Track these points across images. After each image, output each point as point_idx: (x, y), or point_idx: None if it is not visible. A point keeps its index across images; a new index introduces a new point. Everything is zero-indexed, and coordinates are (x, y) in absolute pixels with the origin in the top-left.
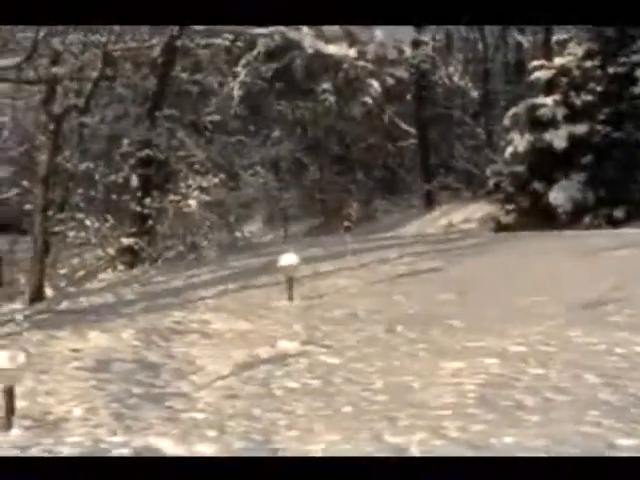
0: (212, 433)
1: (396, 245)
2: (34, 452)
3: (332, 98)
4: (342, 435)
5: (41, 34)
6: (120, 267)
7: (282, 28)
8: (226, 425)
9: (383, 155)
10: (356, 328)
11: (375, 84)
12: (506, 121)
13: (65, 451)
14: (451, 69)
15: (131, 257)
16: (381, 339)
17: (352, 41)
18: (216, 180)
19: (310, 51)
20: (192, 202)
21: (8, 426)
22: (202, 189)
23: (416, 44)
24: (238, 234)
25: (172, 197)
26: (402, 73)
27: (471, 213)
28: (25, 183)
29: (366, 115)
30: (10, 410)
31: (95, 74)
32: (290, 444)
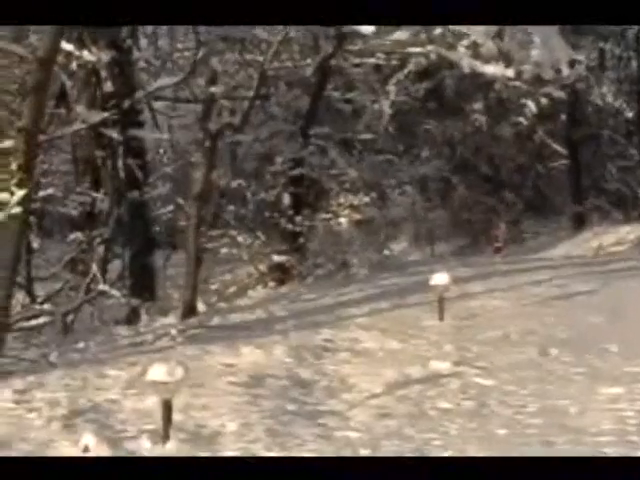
0: (365, 452)
1: (546, 267)
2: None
3: (482, 118)
4: None
5: (200, 54)
6: (270, 284)
7: (438, 47)
8: (379, 444)
9: (533, 175)
10: (508, 350)
11: (531, 104)
12: None
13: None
14: (604, 88)
15: (281, 274)
16: (535, 362)
17: (508, 61)
18: (367, 199)
19: (467, 71)
20: (342, 220)
21: (165, 438)
22: (353, 207)
23: (572, 63)
24: (387, 252)
25: (323, 215)
26: (559, 93)
27: (623, 235)
28: (180, 200)
29: (516, 135)
30: (168, 423)
31: (249, 93)
32: None
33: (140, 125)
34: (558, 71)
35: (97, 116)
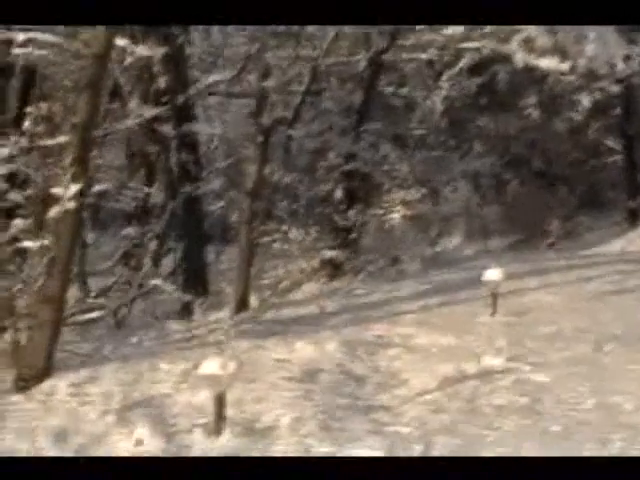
0: (418, 447)
1: (600, 262)
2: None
3: (536, 113)
4: (552, 455)
5: (252, 49)
6: (322, 279)
7: (491, 41)
8: (432, 440)
9: (587, 171)
10: (563, 346)
11: (585, 99)
12: None
13: None
14: None
15: (333, 269)
16: (589, 358)
17: (562, 55)
18: (419, 194)
19: (520, 65)
20: (395, 216)
21: (218, 432)
22: (405, 203)
23: (627, 58)
24: (439, 248)
25: (375, 210)
26: (613, 88)
27: None
28: (232, 194)
29: (570, 130)
30: (220, 416)
31: (302, 88)
32: None
33: (193, 120)
34: (613, 66)
35: (150, 111)
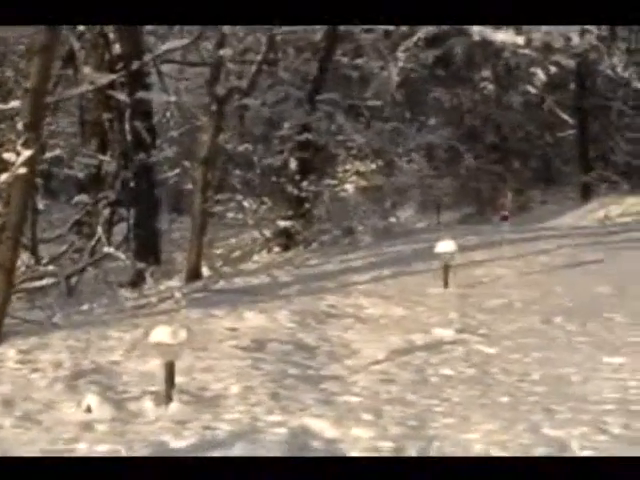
0: (368, 417)
1: (553, 236)
2: (193, 427)
3: (491, 86)
4: (499, 425)
5: None
6: (275, 249)
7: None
8: (382, 410)
9: (540, 145)
10: (512, 318)
11: (540, 73)
12: None
13: (223, 427)
14: (615, 59)
15: (286, 239)
16: (538, 330)
17: (518, 28)
18: (373, 166)
19: (477, 38)
20: (349, 187)
21: (168, 400)
22: (359, 174)
23: (582, 32)
24: (392, 220)
25: (329, 181)
26: (568, 62)
27: (629, 206)
28: (186, 163)
29: (525, 104)
30: (170, 384)
31: (258, 57)
32: (446, 431)
33: (148, 88)
34: (568, 40)
35: (105, 78)
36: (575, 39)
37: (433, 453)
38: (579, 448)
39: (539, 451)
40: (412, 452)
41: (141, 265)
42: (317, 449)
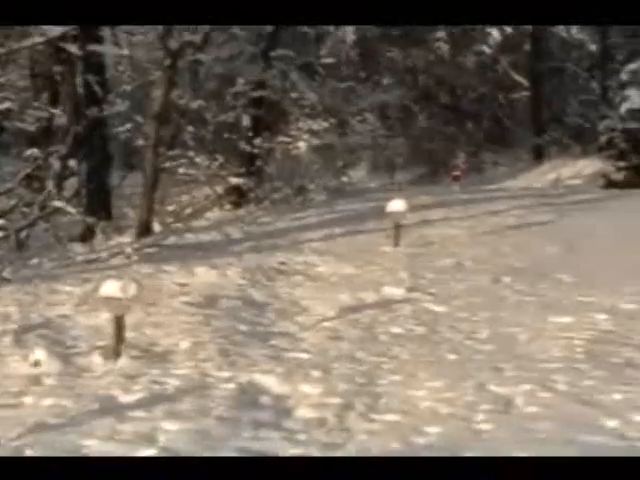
0: (316, 373)
1: (504, 197)
2: (142, 382)
3: (446, 47)
4: (446, 382)
5: None
6: (227, 206)
7: None
8: (330, 366)
9: (494, 106)
10: (462, 277)
11: (495, 33)
12: (623, 76)
13: (172, 382)
14: None
15: (238, 197)
16: (487, 290)
17: None
18: (326, 124)
19: None
20: (301, 145)
21: (117, 354)
22: (312, 132)
23: None
24: (345, 179)
25: (282, 139)
26: None
27: (580, 169)
28: (138, 118)
29: (479, 65)
30: (120, 339)
31: None
32: (393, 388)
33: (100, 41)
34: None
35: (56, 30)
36: None
37: (380, 409)
38: (524, 405)
39: (484, 408)
40: (360, 408)
41: (92, 220)
42: (265, 405)
